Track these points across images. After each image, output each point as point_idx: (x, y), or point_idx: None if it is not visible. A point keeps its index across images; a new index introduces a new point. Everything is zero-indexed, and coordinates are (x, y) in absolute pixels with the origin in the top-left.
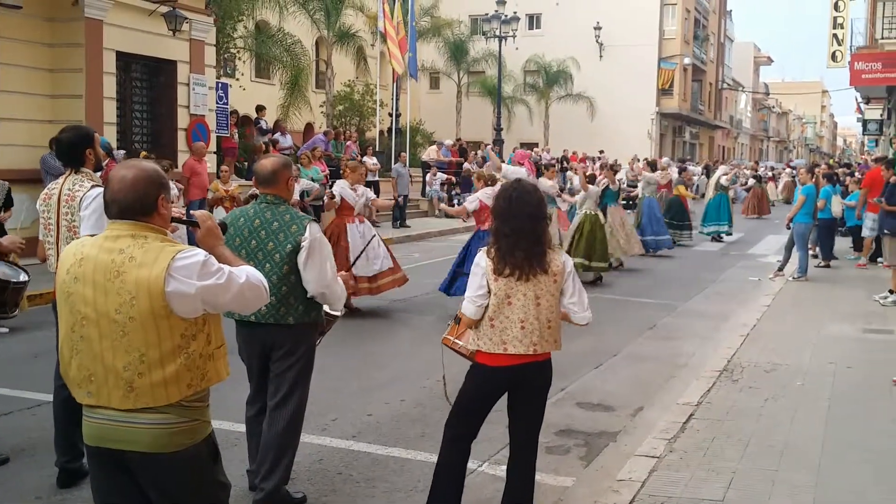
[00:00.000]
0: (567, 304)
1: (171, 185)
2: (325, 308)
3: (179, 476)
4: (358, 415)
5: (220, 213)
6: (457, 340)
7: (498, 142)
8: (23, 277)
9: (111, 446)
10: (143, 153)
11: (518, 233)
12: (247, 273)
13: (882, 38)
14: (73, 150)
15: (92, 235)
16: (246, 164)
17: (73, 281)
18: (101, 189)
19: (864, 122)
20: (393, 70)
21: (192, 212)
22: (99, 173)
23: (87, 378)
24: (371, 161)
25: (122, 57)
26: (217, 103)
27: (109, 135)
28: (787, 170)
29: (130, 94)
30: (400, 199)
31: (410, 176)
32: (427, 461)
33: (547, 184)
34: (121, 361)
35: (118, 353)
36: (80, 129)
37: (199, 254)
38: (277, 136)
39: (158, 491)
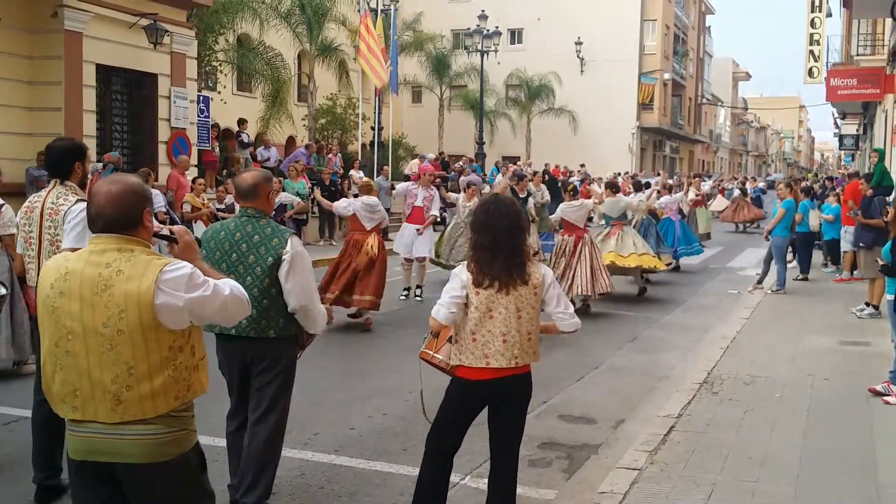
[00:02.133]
0: (555, 314)
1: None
2: None
3: (171, 487)
4: (340, 429)
5: (199, 228)
6: (436, 354)
7: (480, 156)
8: (1, 291)
9: (100, 459)
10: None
11: (495, 244)
12: (230, 286)
13: (857, 55)
14: (63, 159)
15: (73, 249)
16: (227, 177)
17: (58, 296)
18: (86, 204)
19: (841, 137)
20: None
21: (169, 227)
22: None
23: (71, 393)
24: (358, 175)
25: (102, 69)
26: (198, 116)
27: (89, 148)
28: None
29: (110, 107)
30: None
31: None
32: (410, 475)
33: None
34: (108, 375)
35: (105, 366)
36: (74, 141)
37: (186, 266)
38: (261, 150)
39: (148, 502)
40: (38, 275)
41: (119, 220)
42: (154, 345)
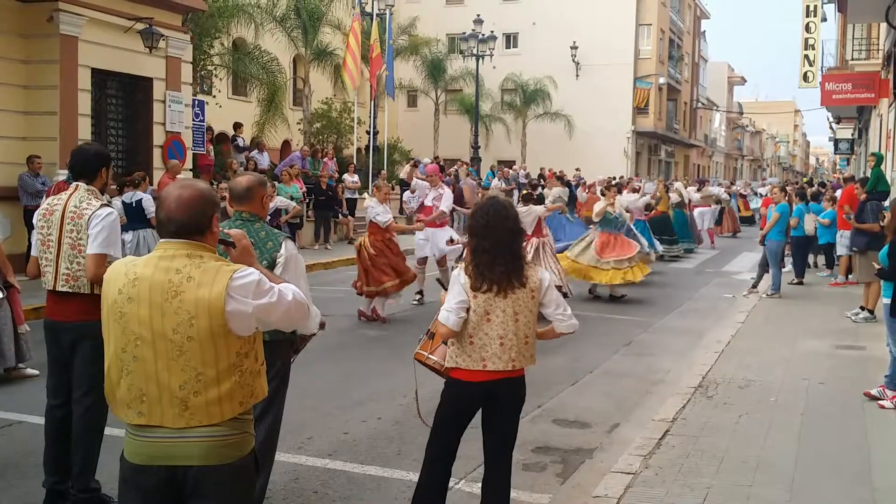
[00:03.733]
0: (554, 315)
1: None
2: None
3: (230, 490)
4: (334, 433)
5: None
6: (430, 356)
7: (475, 160)
8: None
9: (163, 463)
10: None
11: (498, 247)
12: (292, 291)
13: (852, 60)
14: (92, 162)
15: (101, 255)
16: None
17: (126, 301)
18: (111, 210)
19: (836, 142)
20: (371, 87)
21: (226, 231)
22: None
23: (138, 398)
24: (351, 179)
25: (97, 74)
26: (193, 120)
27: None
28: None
29: (106, 111)
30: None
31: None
32: (404, 479)
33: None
34: (177, 380)
35: (174, 372)
36: (102, 147)
37: (254, 273)
38: (255, 154)
39: None
40: (55, 277)
41: (190, 225)
42: (223, 351)
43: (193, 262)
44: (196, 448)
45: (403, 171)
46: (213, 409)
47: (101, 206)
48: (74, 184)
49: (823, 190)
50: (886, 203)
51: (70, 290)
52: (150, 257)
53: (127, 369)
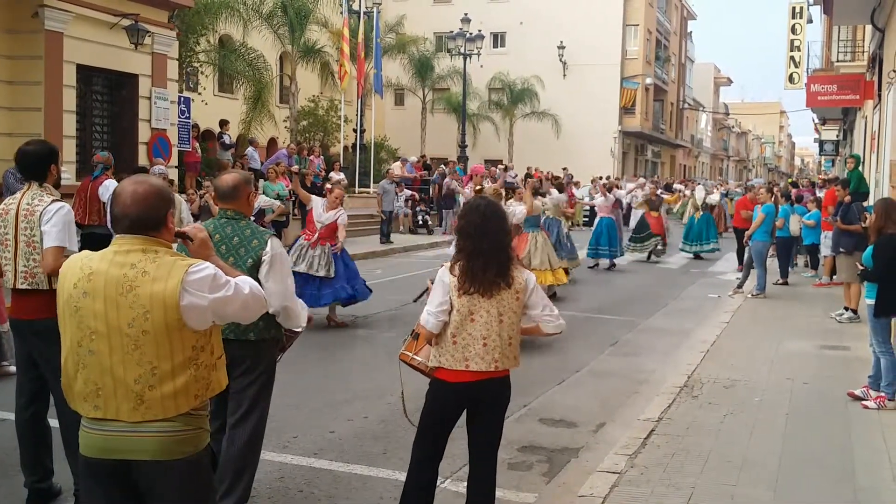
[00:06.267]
0: (542, 317)
1: None
2: None
3: (184, 485)
4: (320, 432)
5: None
6: (415, 356)
7: (462, 159)
8: None
9: (117, 457)
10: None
11: (495, 249)
12: (249, 284)
13: (837, 61)
14: (38, 163)
15: (59, 248)
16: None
17: (81, 295)
18: (62, 204)
19: (821, 143)
20: (358, 86)
21: (183, 227)
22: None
23: (94, 392)
24: (338, 177)
25: (82, 70)
26: (179, 117)
27: (69, 148)
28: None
29: (91, 108)
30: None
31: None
32: (389, 478)
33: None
34: (132, 374)
35: (129, 366)
36: (46, 143)
37: (209, 267)
38: (250, 151)
39: (163, 501)
40: (15, 276)
41: (144, 220)
42: (178, 345)
43: (148, 256)
44: (149, 443)
45: (393, 170)
46: (168, 403)
47: (53, 201)
48: (28, 183)
49: (812, 189)
50: (866, 204)
51: (29, 287)
52: (106, 252)
53: (83, 363)
